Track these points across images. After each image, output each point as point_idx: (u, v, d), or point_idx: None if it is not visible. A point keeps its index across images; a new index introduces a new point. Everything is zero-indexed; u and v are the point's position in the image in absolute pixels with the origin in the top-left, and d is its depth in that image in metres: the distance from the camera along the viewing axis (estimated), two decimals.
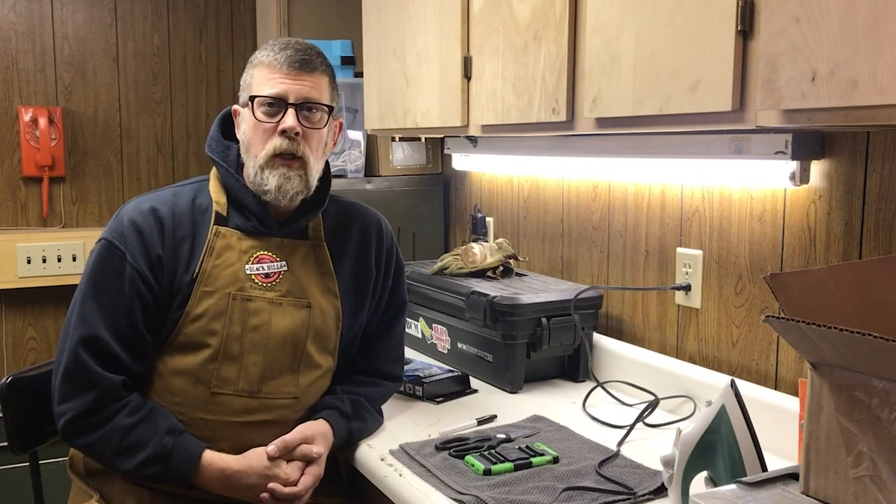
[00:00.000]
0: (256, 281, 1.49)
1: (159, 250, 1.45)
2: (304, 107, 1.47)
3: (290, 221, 1.54)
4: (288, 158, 1.46)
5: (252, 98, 1.47)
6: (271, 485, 1.42)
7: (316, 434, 1.48)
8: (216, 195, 1.52)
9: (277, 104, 1.46)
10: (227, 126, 1.59)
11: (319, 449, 1.47)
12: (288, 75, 1.46)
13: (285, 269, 1.52)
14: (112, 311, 1.43)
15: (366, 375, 1.65)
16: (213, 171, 1.56)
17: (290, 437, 1.46)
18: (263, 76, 1.47)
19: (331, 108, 1.51)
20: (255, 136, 1.47)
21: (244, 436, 1.47)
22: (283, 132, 1.45)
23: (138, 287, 1.43)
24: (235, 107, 1.55)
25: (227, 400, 1.46)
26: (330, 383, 1.59)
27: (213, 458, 1.43)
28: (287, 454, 1.45)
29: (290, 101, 1.46)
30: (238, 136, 1.54)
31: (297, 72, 1.46)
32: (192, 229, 1.49)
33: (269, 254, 1.51)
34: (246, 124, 1.50)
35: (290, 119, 1.45)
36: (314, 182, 1.51)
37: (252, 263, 1.49)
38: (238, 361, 1.46)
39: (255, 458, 1.44)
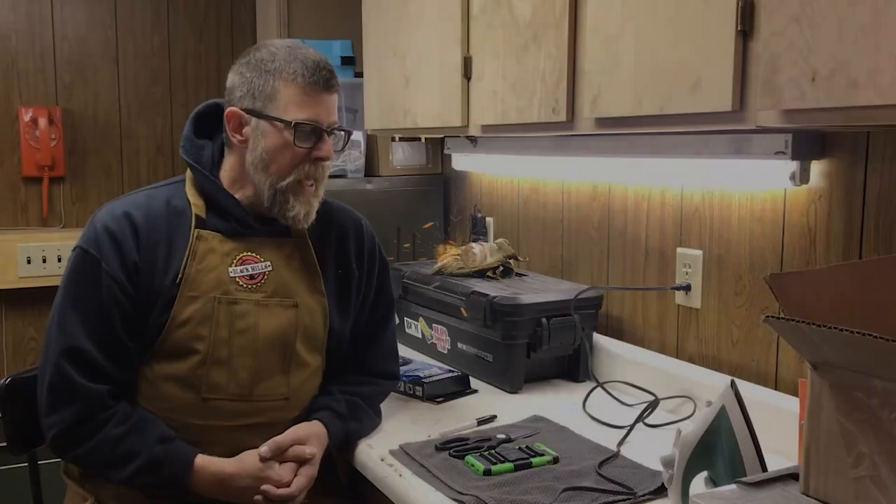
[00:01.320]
0: (241, 283, 1.47)
1: (135, 255, 1.42)
2: (332, 132, 1.48)
3: (272, 220, 1.51)
4: (312, 184, 1.47)
5: (295, 125, 1.42)
6: (264, 486, 1.41)
7: (309, 435, 1.47)
8: (193, 198, 1.49)
9: (314, 130, 1.45)
10: (200, 124, 1.55)
11: (312, 449, 1.46)
12: (321, 99, 1.44)
13: (270, 269, 1.50)
14: (91, 319, 1.41)
15: (363, 375, 1.65)
16: (189, 171, 1.53)
17: (282, 438, 1.45)
18: (298, 97, 1.42)
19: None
20: (280, 157, 1.44)
21: (238, 440, 1.46)
22: (319, 159, 1.45)
23: (115, 294, 1.41)
24: (237, 110, 1.45)
25: (219, 405, 1.45)
26: (322, 382, 1.59)
27: (206, 463, 1.42)
28: (280, 455, 1.44)
29: (325, 127, 1.45)
30: (237, 143, 1.47)
31: (327, 94, 1.45)
32: (168, 232, 1.46)
33: (253, 254, 1.49)
34: (268, 141, 1.44)
35: (328, 147, 1.45)
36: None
37: (235, 266, 1.47)
38: (227, 365, 1.45)
39: (247, 461, 1.43)
